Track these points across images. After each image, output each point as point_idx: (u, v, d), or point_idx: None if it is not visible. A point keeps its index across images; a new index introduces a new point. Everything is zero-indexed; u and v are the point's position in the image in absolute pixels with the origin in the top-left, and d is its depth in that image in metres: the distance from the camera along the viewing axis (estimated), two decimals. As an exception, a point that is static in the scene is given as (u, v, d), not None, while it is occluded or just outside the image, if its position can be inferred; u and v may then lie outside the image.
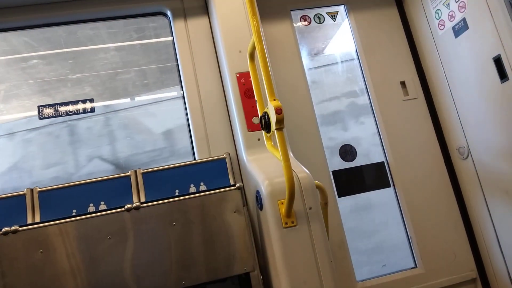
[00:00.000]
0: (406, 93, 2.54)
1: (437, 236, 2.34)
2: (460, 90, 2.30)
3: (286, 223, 1.60)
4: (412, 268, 2.33)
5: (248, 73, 2.02)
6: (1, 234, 1.57)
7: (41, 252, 1.58)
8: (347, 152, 2.46)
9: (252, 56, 1.79)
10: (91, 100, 2.33)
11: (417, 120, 2.51)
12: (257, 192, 1.75)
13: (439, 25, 2.37)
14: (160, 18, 2.48)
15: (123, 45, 2.34)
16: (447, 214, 2.39)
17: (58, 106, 2.27)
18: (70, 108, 2.28)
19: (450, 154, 2.47)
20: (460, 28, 2.21)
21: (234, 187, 1.77)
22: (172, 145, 2.28)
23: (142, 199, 1.99)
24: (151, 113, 2.34)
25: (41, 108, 2.25)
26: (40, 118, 2.26)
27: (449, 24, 2.29)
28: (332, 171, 2.37)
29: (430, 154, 2.47)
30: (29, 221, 1.88)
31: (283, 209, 1.60)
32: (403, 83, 2.55)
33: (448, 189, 2.42)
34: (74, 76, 2.18)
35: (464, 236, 2.37)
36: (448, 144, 2.47)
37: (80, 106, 2.30)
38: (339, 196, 2.35)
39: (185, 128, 2.29)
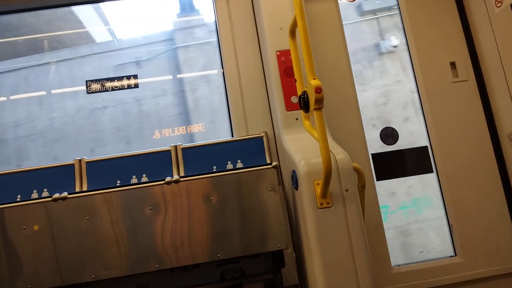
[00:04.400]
0: (455, 74, 2.41)
1: (480, 226, 2.24)
2: (515, 72, 2.14)
3: (321, 204, 1.60)
4: (451, 256, 2.26)
5: (288, 51, 1.99)
6: (52, 200, 1.68)
7: (87, 218, 1.68)
8: (389, 135, 2.39)
9: (293, 33, 1.76)
10: (135, 76, 2.41)
11: (466, 104, 2.37)
12: (293, 171, 1.75)
13: (496, 2, 2.20)
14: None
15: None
16: (492, 203, 2.27)
17: (105, 81, 2.37)
18: (116, 83, 2.38)
19: (500, 140, 2.32)
20: (521, 5, 2.04)
21: (270, 166, 1.78)
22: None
23: (182, 173, 2.06)
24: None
25: (89, 83, 2.37)
26: (88, 93, 2.37)
27: (507, 1, 2.12)
28: (372, 154, 2.32)
29: (478, 140, 2.34)
30: (77, 189, 2.00)
31: (318, 190, 1.59)
32: (453, 64, 2.41)
33: (495, 177, 2.30)
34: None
35: (509, 227, 2.25)
36: (499, 130, 2.33)
37: (125, 82, 2.39)
38: (378, 179, 2.30)
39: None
